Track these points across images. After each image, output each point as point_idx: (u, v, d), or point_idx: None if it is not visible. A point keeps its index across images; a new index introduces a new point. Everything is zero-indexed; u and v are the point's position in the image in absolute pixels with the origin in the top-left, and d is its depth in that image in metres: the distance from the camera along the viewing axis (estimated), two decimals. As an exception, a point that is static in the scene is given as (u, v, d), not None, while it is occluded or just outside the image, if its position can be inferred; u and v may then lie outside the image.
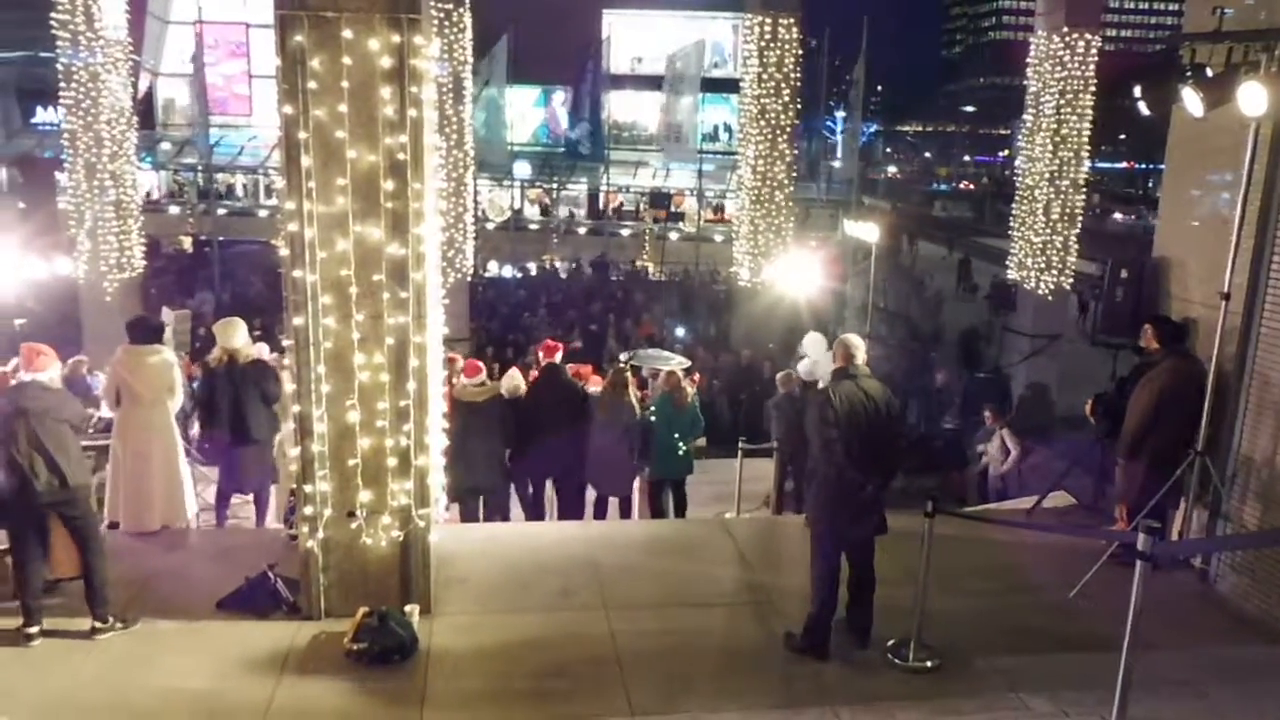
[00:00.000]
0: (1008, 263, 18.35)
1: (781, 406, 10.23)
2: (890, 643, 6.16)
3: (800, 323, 15.88)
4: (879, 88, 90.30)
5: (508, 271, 30.30)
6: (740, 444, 10.25)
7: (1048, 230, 17.18)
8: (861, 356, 6.07)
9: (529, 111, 37.29)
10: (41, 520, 6.06)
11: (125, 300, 17.27)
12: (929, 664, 6.03)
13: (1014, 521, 8.34)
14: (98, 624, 6.10)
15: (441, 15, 17.63)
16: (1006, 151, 77.83)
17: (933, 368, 17.12)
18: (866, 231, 18.20)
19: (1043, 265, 17.34)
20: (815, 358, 10.06)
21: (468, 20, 18.60)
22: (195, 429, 10.07)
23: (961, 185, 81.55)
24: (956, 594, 6.78)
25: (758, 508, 10.45)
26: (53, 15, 17.98)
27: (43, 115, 33.09)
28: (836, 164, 39.87)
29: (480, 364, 9.31)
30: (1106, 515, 8.28)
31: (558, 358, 9.49)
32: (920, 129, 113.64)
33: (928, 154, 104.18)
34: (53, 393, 6.09)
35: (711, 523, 9.28)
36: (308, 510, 6.27)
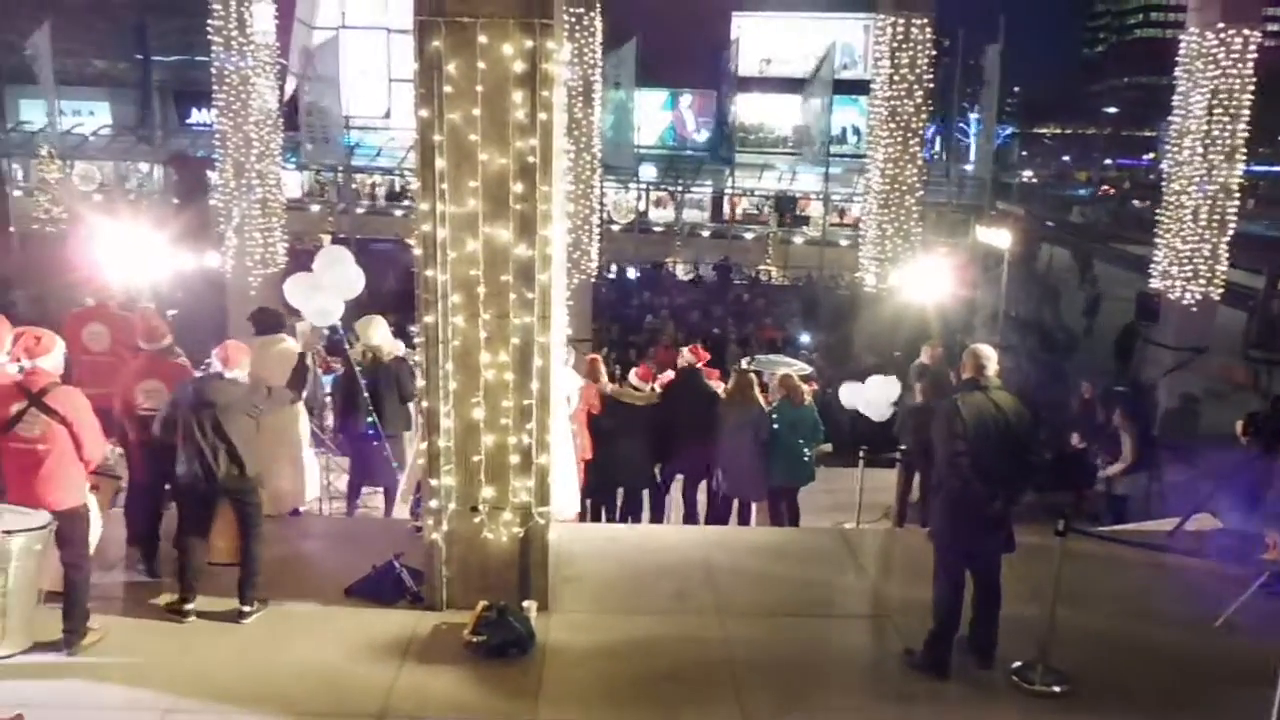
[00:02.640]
0: (1150, 271, 17.49)
1: (914, 414, 10.00)
2: (1015, 665, 5.95)
3: (927, 330, 15.49)
4: (1015, 89, 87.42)
5: (631, 273, 30.51)
6: (861, 453, 10.06)
7: (1196, 237, 16.32)
8: (992, 367, 5.88)
9: (656, 114, 37.44)
10: (212, 506, 6.38)
11: (268, 294, 18.07)
12: (1056, 688, 5.80)
13: (1153, 544, 7.95)
14: (245, 607, 6.38)
15: (573, 20, 17.90)
16: (1152, 154, 74.34)
17: (1065, 378, 16.45)
18: (998, 237, 17.65)
19: (1189, 274, 16.47)
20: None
21: (598, 24, 18.84)
22: (330, 420, 10.47)
23: (1102, 190, 78.25)
24: (1088, 617, 6.49)
25: (879, 519, 10.26)
26: (209, 22, 18.98)
27: (197, 116, 34.92)
28: (969, 167, 38.82)
29: (651, 369, 9.47)
30: (1257, 540, 7.80)
31: (692, 360, 9.50)
32: (1059, 131, 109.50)
33: (1066, 157, 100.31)
34: (240, 387, 6.39)
35: (830, 532, 9.16)
36: (433, 504, 6.44)
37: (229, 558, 6.53)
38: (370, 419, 8.68)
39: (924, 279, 16.93)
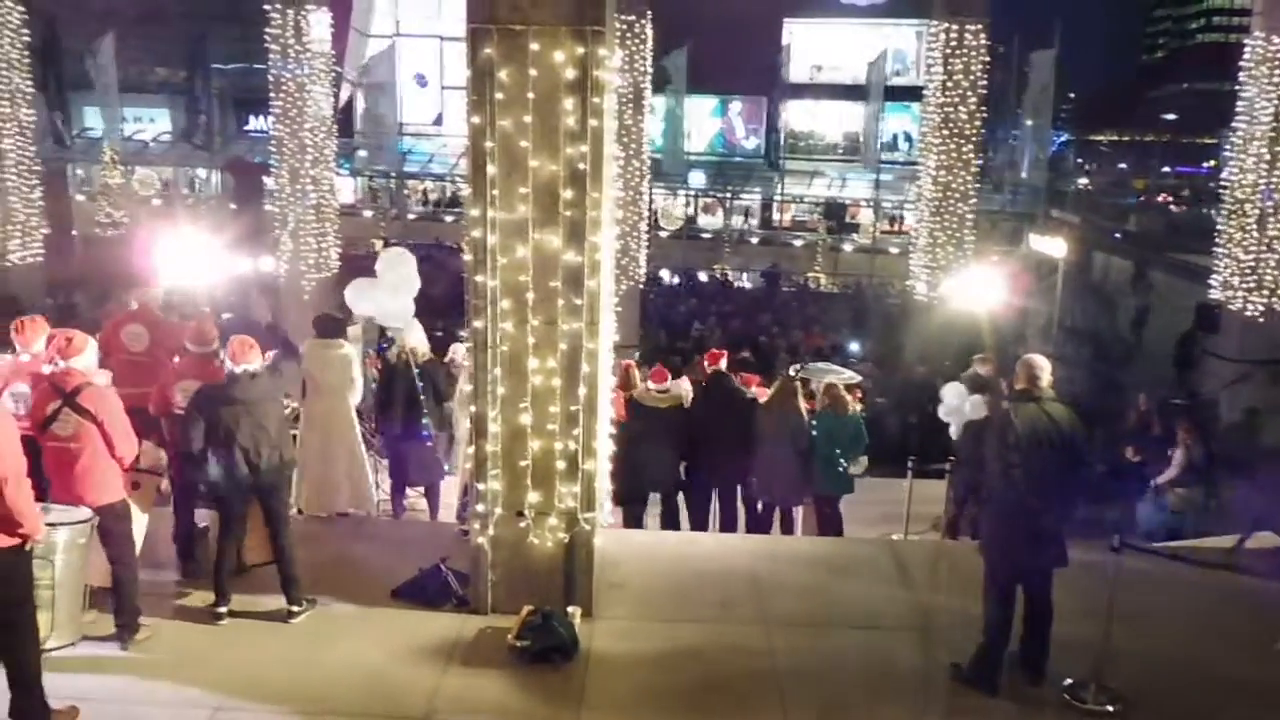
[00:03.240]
0: (1211, 281, 17.09)
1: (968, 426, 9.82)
2: (1067, 682, 5.82)
3: (979, 340, 15.26)
4: (1071, 94, 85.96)
5: (678, 280, 30.50)
6: (910, 464, 9.92)
7: (1260, 247, 15.92)
8: (1046, 378, 5.78)
9: (705, 121, 37.40)
10: (247, 505, 6.48)
11: (321, 298, 18.33)
12: (1110, 708, 5.67)
13: (1212, 562, 7.73)
14: (293, 607, 6.46)
15: (624, 27, 17.95)
16: (1213, 162, 72.65)
17: (1121, 390, 16.13)
18: (1053, 246, 17.37)
19: (1252, 285, 16.06)
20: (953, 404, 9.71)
21: (649, 31, 18.88)
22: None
23: (1160, 197, 76.69)
24: (1143, 635, 6.32)
25: (927, 530, 10.10)
26: (266, 30, 19.34)
27: (254, 123, 35.59)
28: (1023, 175, 38.26)
29: (667, 370, 9.44)
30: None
31: (722, 364, 9.49)
32: (1115, 138, 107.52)
33: (1122, 165, 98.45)
34: (260, 378, 6.50)
35: (877, 543, 9.04)
36: (479, 508, 6.48)
37: (264, 557, 6.64)
38: (424, 419, 8.75)
39: (976, 287, 16.67)
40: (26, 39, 19.96)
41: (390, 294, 8.30)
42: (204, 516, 7.14)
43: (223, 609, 6.41)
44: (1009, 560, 5.79)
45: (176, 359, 7.40)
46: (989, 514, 5.98)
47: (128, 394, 6.27)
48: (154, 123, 36.57)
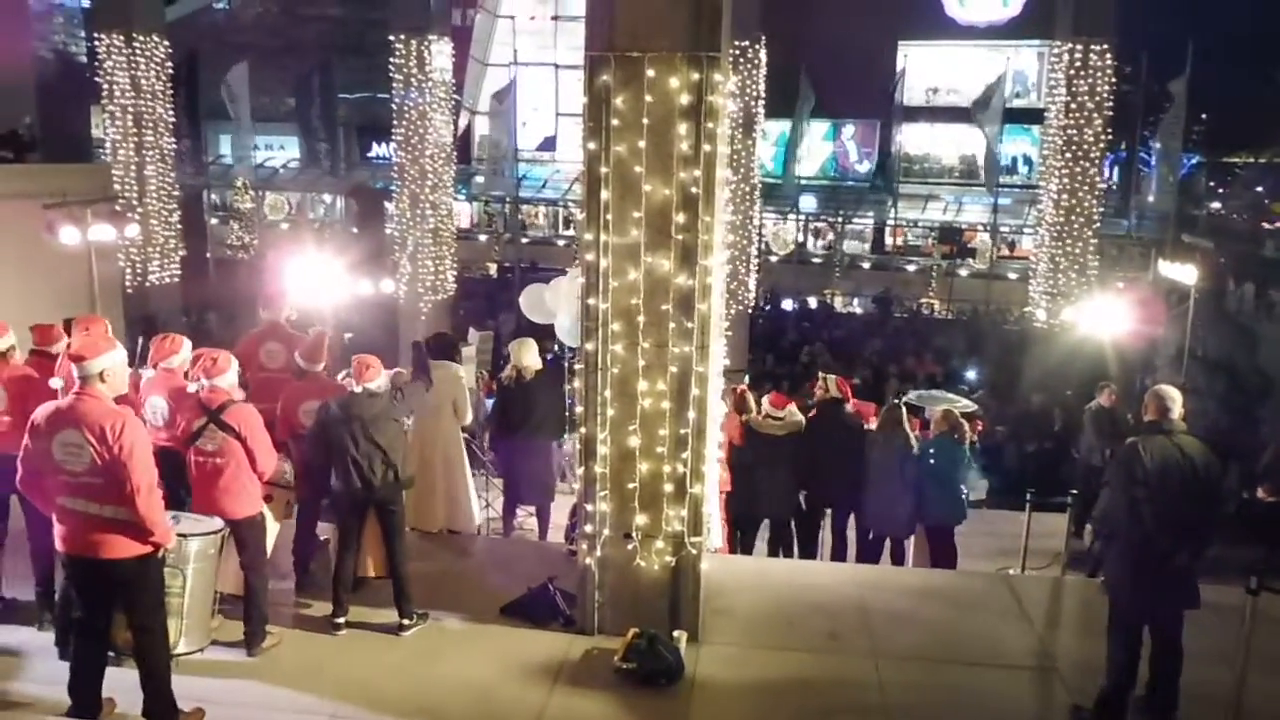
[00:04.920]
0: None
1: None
2: (1198, 731, 5.53)
3: (1103, 369, 14.71)
4: (1203, 115, 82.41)
5: (787, 304, 30.27)
6: (1028, 496, 9.61)
7: None
8: (1178, 410, 5.53)
9: (818, 145, 37.13)
10: (364, 519, 6.67)
11: (438, 319, 18.81)
12: (1244, 761, 5.36)
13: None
14: (405, 620, 6.61)
15: (737, 52, 18.01)
16: (1360, 186, 68.40)
17: (1258, 425, 15.31)
18: (1183, 272, 16.65)
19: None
20: None
21: (762, 56, 18.90)
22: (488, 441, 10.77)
23: (1297, 222, 72.54)
24: (1282, 685, 5.99)
25: (1046, 565, 9.74)
26: (390, 61, 20.04)
27: (376, 150, 36.87)
28: (1150, 199, 36.80)
29: (786, 397, 9.37)
30: None
31: (836, 391, 9.36)
32: (1251, 160, 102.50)
33: (1259, 188, 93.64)
34: (382, 397, 6.70)
35: (993, 577, 8.75)
36: (587, 528, 6.52)
37: (379, 571, 6.80)
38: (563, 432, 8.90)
39: (1100, 315, 16.11)
40: (170, 71, 21.17)
41: (567, 303, 8.44)
42: (323, 530, 7.37)
43: (340, 620, 6.60)
44: (1136, 600, 5.54)
45: (297, 377, 7.66)
46: (1115, 551, 5.73)
47: (264, 409, 6.52)
48: (283, 150, 38.20)
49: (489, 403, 11.09)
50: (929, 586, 8.06)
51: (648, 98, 6.00)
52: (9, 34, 18.29)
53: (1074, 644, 6.73)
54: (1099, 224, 19.79)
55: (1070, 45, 18.77)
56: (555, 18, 35.24)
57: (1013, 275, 30.03)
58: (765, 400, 9.32)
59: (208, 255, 29.25)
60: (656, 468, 6.37)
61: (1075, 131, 18.89)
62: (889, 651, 6.61)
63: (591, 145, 6.11)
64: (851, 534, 9.36)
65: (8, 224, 13.10)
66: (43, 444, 5.04)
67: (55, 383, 5.29)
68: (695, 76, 5.97)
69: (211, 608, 6.10)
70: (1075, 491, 9.66)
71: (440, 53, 20.58)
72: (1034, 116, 27.57)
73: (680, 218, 6.10)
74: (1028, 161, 33.99)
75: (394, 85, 20.59)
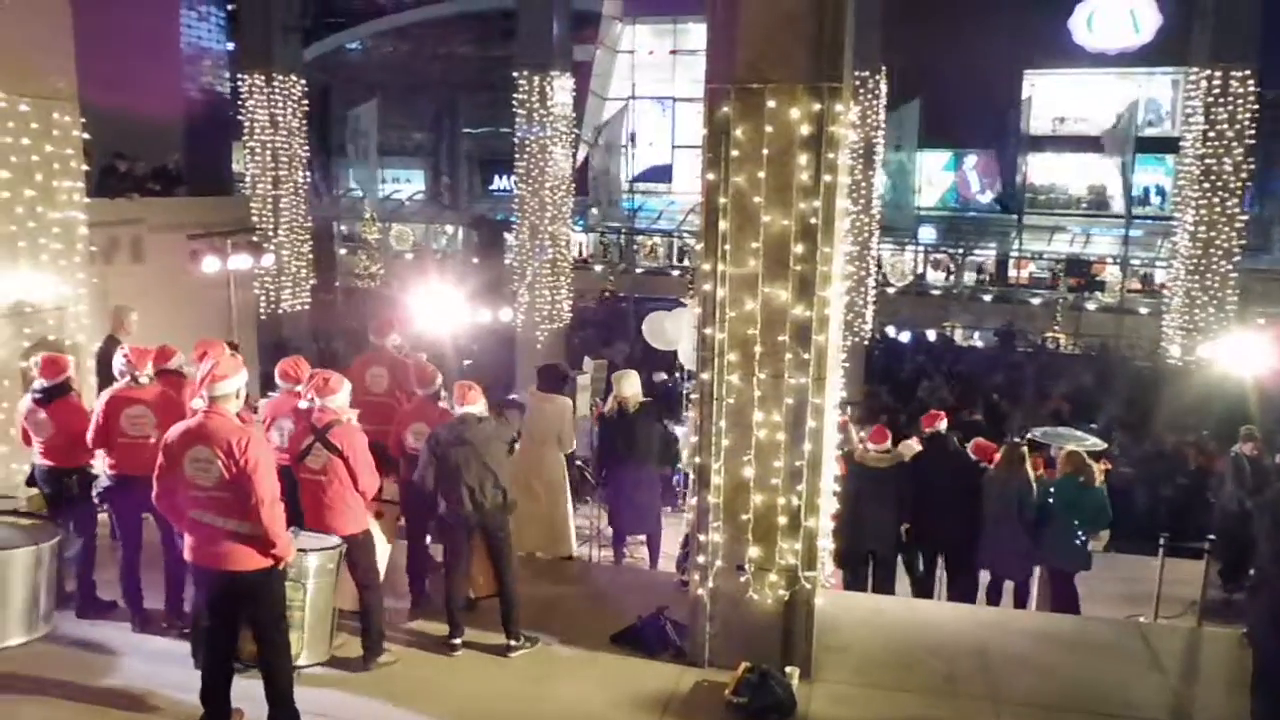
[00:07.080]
0: None
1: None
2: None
3: (1243, 409, 13.93)
4: (1356, 143, 77.85)
5: (905, 336, 29.69)
6: (1161, 541, 9.15)
7: None
8: (1328, 455, 5.21)
9: (937, 175, 36.48)
10: (472, 541, 6.79)
11: (553, 348, 19.11)
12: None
13: None
14: (512, 641, 6.69)
15: (858, 82, 17.90)
16: None
17: None
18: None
19: None
20: None
21: (883, 87, 18.73)
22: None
23: None
24: None
25: (1180, 614, 9.25)
26: (514, 95, 20.59)
27: (498, 182, 37.84)
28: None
29: (887, 430, 9.23)
30: None
31: (941, 426, 9.16)
32: None
33: None
34: (487, 421, 6.85)
35: (1121, 624, 8.36)
36: (700, 559, 6.49)
37: (488, 590, 6.90)
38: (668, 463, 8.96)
39: (1240, 352, 15.28)
40: (305, 108, 22.20)
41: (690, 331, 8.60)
42: (436, 551, 7.52)
43: (457, 640, 6.71)
44: (1281, 654, 5.21)
45: (406, 402, 7.87)
46: (1260, 601, 5.41)
47: (369, 431, 6.70)
48: (409, 182, 39.54)
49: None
50: (1053, 631, 7.74)
51: (768, 128, 6.01)
52: (162, 77, 19.47)
53: (1213, 699, 6.35)
54: (1239, 257, 18.87)
55: (1209, 71, 18.04)
56: (674, 52, 35.67)
57: (1144, 310, 28.83)
58: (864, 434, 9.20)
59: (336, 284, 30.41)
60: (771, 500, 6.32)
61: (1214, 161, 18.12)
62: (1009, 697, 6.38)
63: (710, 176, 6.15)
64: (971, 575, 9.08)
65: (157, 253, 13.94)
66: (175, 460, 5.31)
67: (197, 403, 5.56)
68: (816, 107, 5.96)
69: (331, 623, 6.28)
70: (1213, 537, 9.17)
71: (562, 88, 21.05)
72: (1168, 145, 26.49)
73: (799, 248, 6.07)
74: (1160, 192, 32.66)
75: (516, 119, 21.13)
